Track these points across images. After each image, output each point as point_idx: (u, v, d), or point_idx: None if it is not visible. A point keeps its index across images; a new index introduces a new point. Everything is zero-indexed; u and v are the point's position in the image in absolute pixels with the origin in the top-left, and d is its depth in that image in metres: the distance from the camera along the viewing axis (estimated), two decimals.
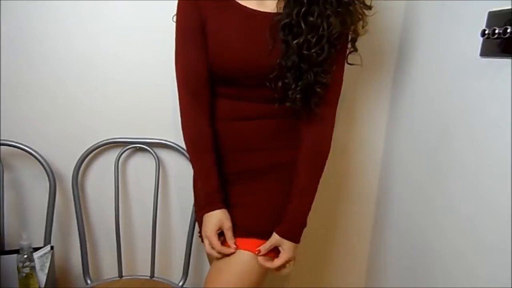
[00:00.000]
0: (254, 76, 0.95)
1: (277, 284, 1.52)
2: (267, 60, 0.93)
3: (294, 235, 0.99)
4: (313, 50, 0.88)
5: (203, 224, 1.01)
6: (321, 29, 0.87)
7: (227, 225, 0.99)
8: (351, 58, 1.00)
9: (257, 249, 0.97)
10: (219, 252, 0.98)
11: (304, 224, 1.01)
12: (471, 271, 0.88)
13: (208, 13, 0.94)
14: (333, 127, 1.02)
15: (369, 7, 0.94)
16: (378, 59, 1.29)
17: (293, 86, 0.92)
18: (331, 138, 1.02)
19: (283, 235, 0.98)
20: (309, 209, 1.01)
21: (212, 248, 0.98)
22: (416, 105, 1.18)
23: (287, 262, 0.99)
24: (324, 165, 1.02)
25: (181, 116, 1.01)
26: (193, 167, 1.05)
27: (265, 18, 0.94)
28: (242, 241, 0.99)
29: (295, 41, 0.88)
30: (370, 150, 1.42)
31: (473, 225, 0.88)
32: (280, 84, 0.93)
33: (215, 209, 0.99)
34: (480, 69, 0.87)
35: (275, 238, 0.98)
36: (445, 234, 0.99)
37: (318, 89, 0.92)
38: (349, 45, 0.98)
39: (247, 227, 1.00)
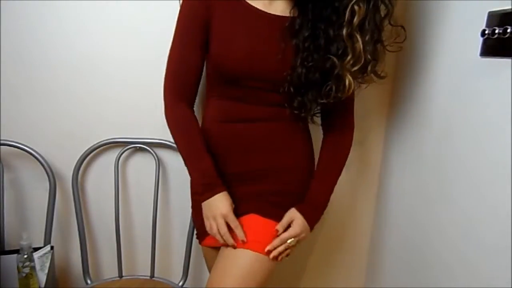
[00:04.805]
0: (259, 77, 0.95)
1: (285, 284, 1.52)
2: (275, 63, 0.93)
3: (309, 215, 1.00)
4: (336, 70, 0.90)
5: (213, 206, 0.97)
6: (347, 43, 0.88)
7: (233, 207, 0.99)
8: None
9: (266, 249, 0.95)
10: (231, 235, 0.96)
11: (322, 208, 1.04)
12: (471, 271, 0.88)
13: (215, 11, 0.94)
14: (353, 130, 1.08)
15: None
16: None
17: (309, 97, 0.94)
18: (351, 139, 1.08)
19: (299, 210, 1.00)
20: (326, 194, 1.04)
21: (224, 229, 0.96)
22: (416, 104, 1.19)
23: (292, 237, 0.97)
24: (345, 158, 1.08)
25: (165, 107, 1.01)
26: (181, 153, 1.02)
27: (275, 20, 0.94)
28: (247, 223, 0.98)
29: (322, 58, 0.90)
30: (370, 149, 1.42)
31: (473, 224, 0.88)
32: (292, 91, 0.94)
33: (221, 191, 0.97)
34: (480, 69, 0.87)
35: (291, 212, 1.00)
36: (445, 234, 1.00)
37: (334, 100, 0.93)
38: None
39: (250, 207, 1.01)
